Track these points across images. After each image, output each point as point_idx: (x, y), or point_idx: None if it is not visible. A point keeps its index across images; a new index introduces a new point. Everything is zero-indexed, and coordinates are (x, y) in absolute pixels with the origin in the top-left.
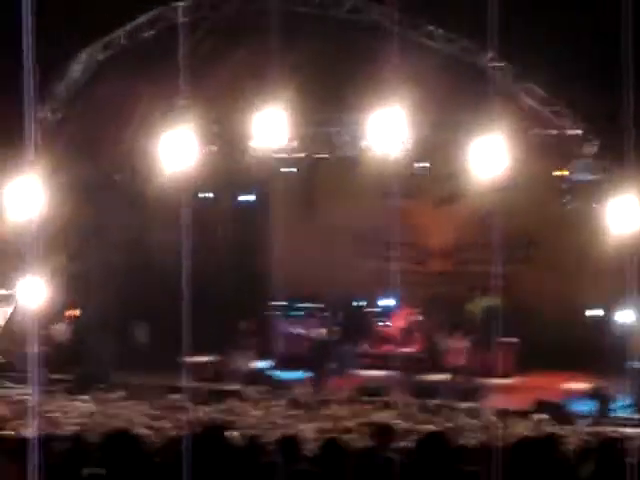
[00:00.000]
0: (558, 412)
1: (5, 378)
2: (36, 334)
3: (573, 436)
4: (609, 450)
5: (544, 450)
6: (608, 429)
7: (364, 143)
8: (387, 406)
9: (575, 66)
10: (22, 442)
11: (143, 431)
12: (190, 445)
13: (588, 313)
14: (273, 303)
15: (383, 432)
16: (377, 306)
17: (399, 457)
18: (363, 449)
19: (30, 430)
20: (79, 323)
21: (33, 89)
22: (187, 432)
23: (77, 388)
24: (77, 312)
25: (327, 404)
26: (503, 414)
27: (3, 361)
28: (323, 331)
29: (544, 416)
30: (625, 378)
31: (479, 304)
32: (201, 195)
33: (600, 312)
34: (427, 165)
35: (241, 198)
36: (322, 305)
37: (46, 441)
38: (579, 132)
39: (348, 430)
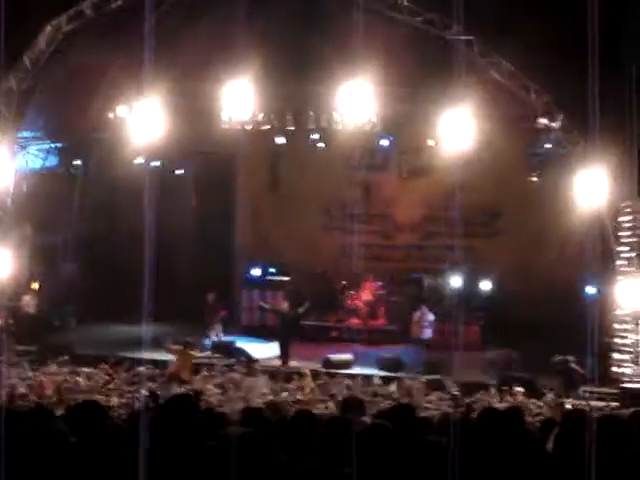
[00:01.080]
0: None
1: None
2: (1, 306)
3: (540, 409)
4: (572, 422)
5: (509, 422)
6: (575, 402)
7: (331, 116)
8: (351, 378)
9: (542, 40)
10: None
11: (110, 402)
12: (157, 416)
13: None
14: (240, 274)
15: (352, 405)
16: (343, 279)
17: (367, 428)
18: (333, 420)
19: None
20: (44, 295)
21: None
22: (153, 404)
23: (41, 359)
24: (42, 284)
25: (293, 376)
26: (469, 386)
27: None
28: (289, 303)
29: (517, 389)
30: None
31: (445, 278)
32: (168, 166)
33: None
34: (394, 138)
35: (208, 170)
36: (288, 277)
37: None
38: (546, 106)
39: (314, 402)
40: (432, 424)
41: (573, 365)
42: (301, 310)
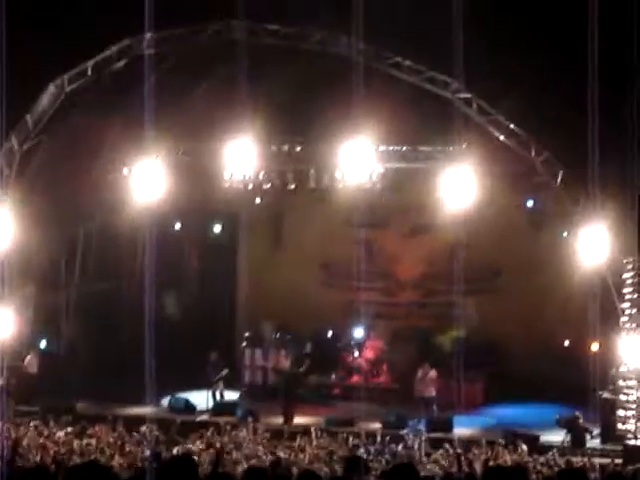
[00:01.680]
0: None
1: None
2: (3, 366)
3: (543, 466)
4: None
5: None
6: (579, 459)
7: (333, 174)
8: (356, 437)
9: (542, 96)
10: None
11: (113, 462)
12: (159, 475)
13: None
14: (243, 334)
15: (353, 464)
16: (346, 337)
17: None
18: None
19: None
20: (47, 354)
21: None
22: (156, 463)
23: (43, 419)
24: (45, 343)
25: (297, 435)
26: (472, 444)
27: None
28: (291, 361)
29: (521, 446)
30: (594, 408)
31: (448, 335)
32: (170, 226)
33: (566, 342)
34: (395, 196)
35: (210, 228)
36: (290, 335)
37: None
38: (546, 163)
39: (318, 461)
40: None
41: (581, 421)
42: (302, 369)
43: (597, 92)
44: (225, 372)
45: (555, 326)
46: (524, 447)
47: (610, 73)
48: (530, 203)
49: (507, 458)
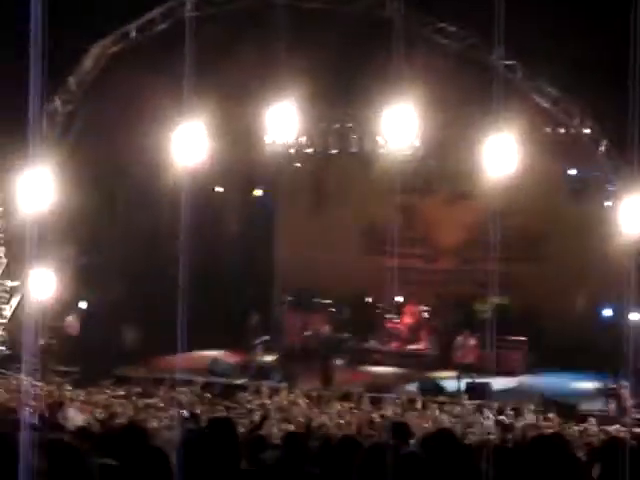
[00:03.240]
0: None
1: (12, 369)
2: (44, 326)
3: (582, 436)
4: (615, 450)
5: (555, 449)
6: (621, 428)
7: (374, 140)
8: (395, 403)
9: (585, 64)
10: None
11: (152, 424)
12: (198, 438)
13: (603, 312)
14: (283, 297)
15: (399, 429)
16: (385, 303)
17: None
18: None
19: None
20: (88, 316)
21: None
22: (195, 426)
23: (82, 381)
24: (85, 305)
25: (335, 400)
26: (511, 411)
27: (10, 352)
28: (331, 326)
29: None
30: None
31: (488, 303)
32: (212, 189)
33: (610, 312)
34: (437, 162)
35: (251, 192)
36: (330, 300)
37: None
38: (589, 131)
39: (357, 426)
40: (478, 450)
41: (625, 391)
42: (341, 334)
43: None
44: (265, 338)
45: (596, 295)
46: (559, 415)
47: None
48: (573, 172)
49: (545, 425)
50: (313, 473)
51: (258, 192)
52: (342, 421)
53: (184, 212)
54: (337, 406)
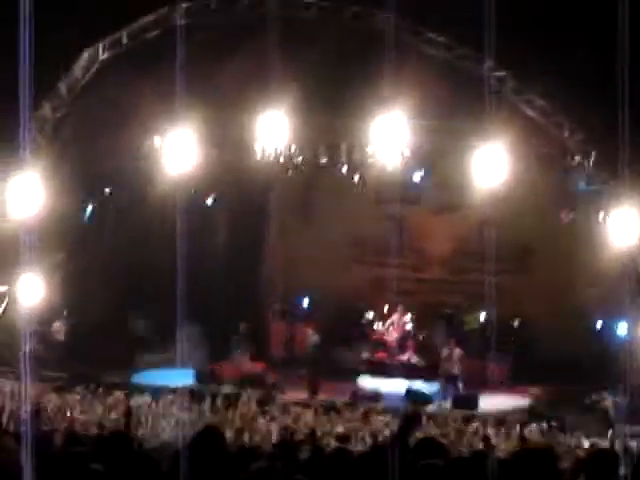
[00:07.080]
0: None
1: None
2: (30, 331)
3: (570, 448)
4: (600, 462)
5: (541, 462)
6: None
7: (364, 149)
8: (382, 412)
9: (575, 77)
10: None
11: (141, 431)
12: (186, 446)
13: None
14: (271, 306)
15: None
16: (372, 312)
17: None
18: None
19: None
20: (75, 322)
21: (34, 87)
22: (184, 433)
23: (68, 386)
24: (73, 311)
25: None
26: (497, 422)
27: None
28: (318, 336)
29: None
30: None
31: (475, 314)
32: (200, 197)
33: (599, 324)
34: (427, 172)
35: (240, 200)
36: (318, 310)
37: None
38: (579, 143)
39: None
40: (462, 462)
41: (608, 404)
42: (328, 344)
43: (628, 72)
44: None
45: (585, 307)
46: (548, 427)
47: None
48: (562, 183)
49: (532, 438)
50: None
51: (248, 200)
52: (329, 429)
53: (178, 220)
54: (325, 415)
